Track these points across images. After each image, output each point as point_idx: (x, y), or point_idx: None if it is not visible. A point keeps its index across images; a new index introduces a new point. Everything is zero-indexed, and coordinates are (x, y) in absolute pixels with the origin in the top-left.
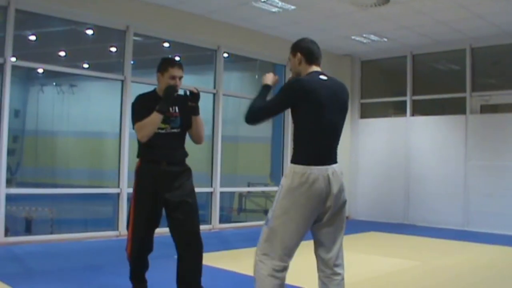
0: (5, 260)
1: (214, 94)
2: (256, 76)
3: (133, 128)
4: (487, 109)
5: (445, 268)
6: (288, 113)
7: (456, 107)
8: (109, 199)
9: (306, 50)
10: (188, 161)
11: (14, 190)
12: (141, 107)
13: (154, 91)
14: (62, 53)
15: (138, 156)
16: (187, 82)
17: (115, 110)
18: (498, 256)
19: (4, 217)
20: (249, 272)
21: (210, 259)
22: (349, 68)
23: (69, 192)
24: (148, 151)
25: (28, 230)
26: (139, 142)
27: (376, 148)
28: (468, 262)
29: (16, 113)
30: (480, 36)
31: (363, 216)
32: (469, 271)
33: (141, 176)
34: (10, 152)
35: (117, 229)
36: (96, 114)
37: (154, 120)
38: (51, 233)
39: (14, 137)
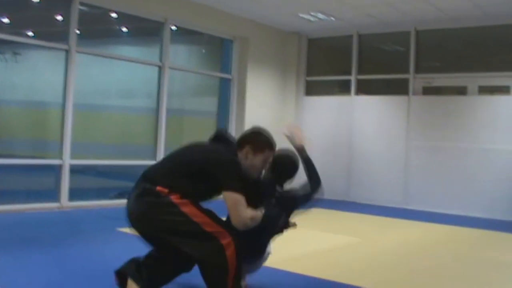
0: None
1: (159, 67)
2: (203, 51)
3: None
4: (429, 91)
5: (383, 244)
6: (234, 89)
7: (399, 88)
8: (51, 170)
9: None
10: (132, 134)
11: None
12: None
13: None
14: (6, 20)
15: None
16: (133, 54)
17: (59, 80)
18: (435, 234)
19: None
20: None
21: None
22: (296, 45)
23: (10, 163)
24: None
25: None
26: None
27: (320, 125)
28: (405, 239)
29: None
30: (425, 20)
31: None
32: (405, 247)
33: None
34: None
35: (59, 201)
36: (40, 83)
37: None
38: None
39: None
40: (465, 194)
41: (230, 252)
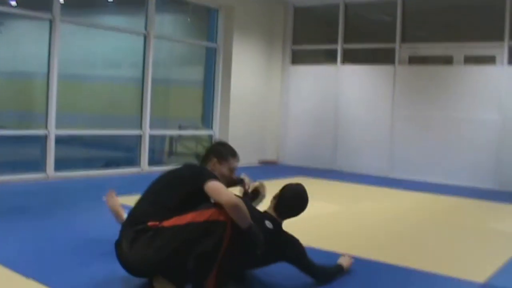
0: None
1: (145, 36)
2: (189, 20)
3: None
4: (415, 60)
5: (366, 212)
6: (220, 59)
7: (385, 57)
8: (37, 141)
9: None
10: (118, 104)
11: None
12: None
13: None
14: None
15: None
16: (118, 23)
17: (43, 50)
18: (418, 202)
19: None
20: None
21: None
22: (282, 14)
23: None
24: None
25: None
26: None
27: (306, 94)
28: (389, 207)
29: None
30: None
31: (292, 161)
32: (388, 215)
33: None
34: None
35: (45, 172)
36: (24, 54)
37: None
38: None
39: None
40: (450, 163)
41: (229, 228)
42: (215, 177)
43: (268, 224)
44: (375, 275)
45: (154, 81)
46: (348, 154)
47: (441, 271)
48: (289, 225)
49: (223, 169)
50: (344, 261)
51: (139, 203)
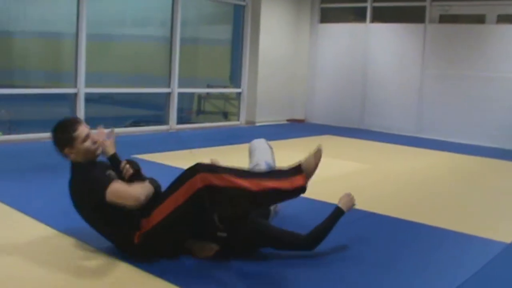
0: None
1: None
2: None
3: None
4: (446, 19)
5: (394, 171)
6: (248, 17)
7: (416, 16)
8: (67, 99)
9: None
10: (146, 63)
11: None
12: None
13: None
14: None
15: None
16: None
17: (72, 10)
18: (446, 162)
19: None
20: None
21: (166, 158)
22: None
23: (26, 93)
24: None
25: None
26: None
27: (334, 53)
28: (416, 167)
29: None
30: None
31: (320, 119)
32: (416, 175)
33: None
34: None
35: None
36: (53, 14)
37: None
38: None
39: None
40: (479, 123)
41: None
42: (108, 181)
43: (221, 234)
44: (402, 233)
45: (182, 40)
46: (376, 113)
47: (469, 231)
48: (318, 185)
49: (81, 147)
50: (344, 203)
51: None
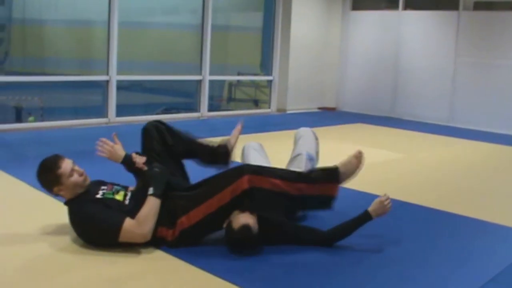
0: None
1: None
2: None
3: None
4: (481, 6)
5: (428, 161)
6: (279, 4)
7: (449, 3)
8: (98, 87)
9: None
10: (177, 51)
11: (3, 78)
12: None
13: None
14: None
15: None
16: None
17: None
18: (480, 152)
19: None
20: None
21: None
22: None
23: (58, 80)
24: None
25: (18, 119)
26: None
27: (366, 40)
28: (450, 156)
29: (1, 1)
30: None
31: (351, 107)
32: (450, 165)
33: None
34: None
35: (107, 116)
36: (85, 2)
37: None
38: (42, 121)
39: (1, 26)
40: None
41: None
42: (111, 218)
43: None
44: (437, 223)
45: (213, 27)
46: (408, 102)
47: (505, 222)
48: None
49: (69, 183)
50: (375, 209)
51: None
